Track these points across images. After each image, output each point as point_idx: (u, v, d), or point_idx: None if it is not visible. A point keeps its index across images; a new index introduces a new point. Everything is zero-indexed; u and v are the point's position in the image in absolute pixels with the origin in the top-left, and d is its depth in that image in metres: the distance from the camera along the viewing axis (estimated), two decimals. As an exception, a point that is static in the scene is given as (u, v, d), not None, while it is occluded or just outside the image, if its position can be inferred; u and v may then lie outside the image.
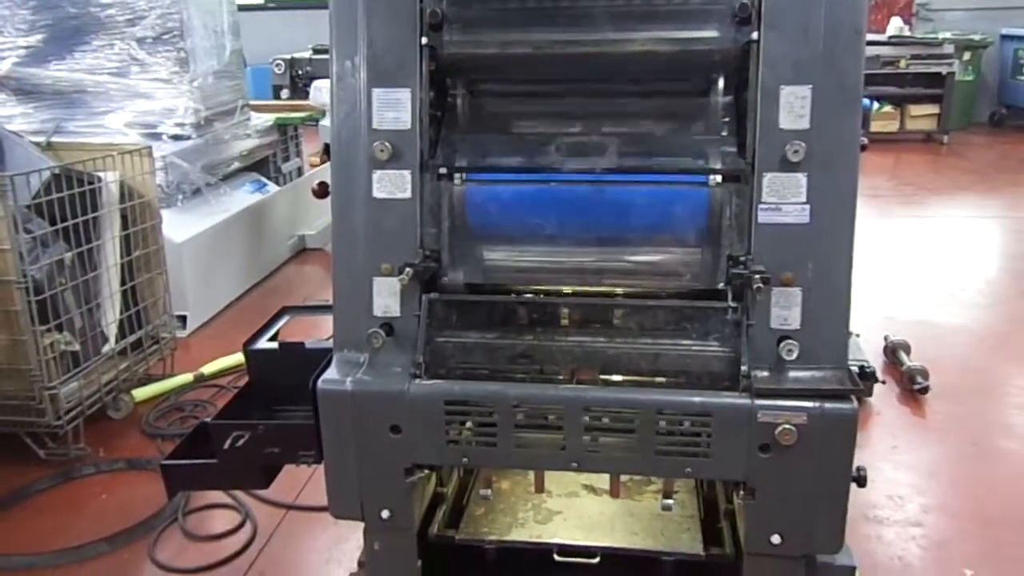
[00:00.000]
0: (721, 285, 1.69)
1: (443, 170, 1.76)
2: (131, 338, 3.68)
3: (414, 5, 1.72)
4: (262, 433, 1.78)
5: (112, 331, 3.57)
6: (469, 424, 1.72)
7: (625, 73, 1.76)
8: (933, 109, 9.69)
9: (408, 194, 1.77)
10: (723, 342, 1.71)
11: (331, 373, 1.77)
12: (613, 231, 1.74)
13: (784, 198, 1.66)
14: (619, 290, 1.78)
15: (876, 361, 3.93)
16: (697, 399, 1.64)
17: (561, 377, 1.73)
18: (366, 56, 1.74)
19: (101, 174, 3.59)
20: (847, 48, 1.62)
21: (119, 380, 3.55)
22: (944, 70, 9.54)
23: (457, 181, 1.76)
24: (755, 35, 1.63)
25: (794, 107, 1.63)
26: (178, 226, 4.52)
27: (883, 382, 3.66)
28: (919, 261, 5.68)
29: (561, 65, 1.76)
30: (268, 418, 1.89)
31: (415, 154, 1.76)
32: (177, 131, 4.88)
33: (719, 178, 1.68)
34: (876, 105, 9.67)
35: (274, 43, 10.01)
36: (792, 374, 1.67)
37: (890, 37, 9.65)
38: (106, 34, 4.83)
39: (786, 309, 1.68)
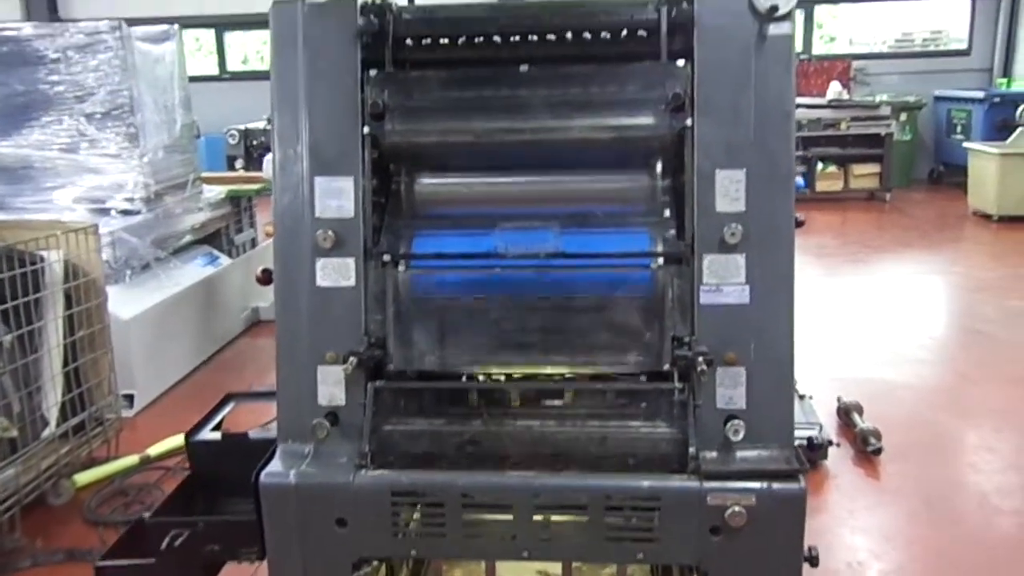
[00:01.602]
0: (667, 366, 1.70)
1: (387, 257, 1.75)
2: (73, 421, 3.57)
3: (355, 95, 1.74)
4: (202, 530, 1.72)
5: (53, 414, 3.46)
6: (417, 514, 1.69)
7: (565, 159, 1.79)
8: (875, 168, 10.01)
9: (352, 282, 1.76)
10: (671, 423, 1.71)
11: (275, 466, 1.73)
12: (557, 314, 1.74)
13: (724, 279, 1.68)
14: (567, 373, 1.78)
15: (830, 422, 3.98)
16: (646, 483, 1.63)
17: (511, 462, 1.71)
18: (308, 144, 1.75)
19: (44, 253, 3.52)
20: (777, 131, 1.67)
21: (60, 465, 3.42)
22: (883, 131, 9.89)
23: (401, 268, 1.76)
24: (689, 121, 1.68)
25: (729, 190, 1.67)
26: (125, 302, 4.44)
27: (837, 445, 3.70)
28: (866, 319, 5.80)
29: (502, 152, 1.78)
30: (211, 511, 1.84)
31: (359, 242, 1.75)
32: (127, 206, 4.83)
33: (661, 260, 1.70)
34: (821, 165, 9.97)
35: (228, 112, 10.05)
36: (740, 454, 1.67)
37: (830, 101, 10.00)
38: (55, 110, 4.80)
39: (731, 389, 1.69)
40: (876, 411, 4.02)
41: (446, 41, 1.76)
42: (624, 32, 1.72)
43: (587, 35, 1.72)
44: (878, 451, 3.66)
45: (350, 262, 1.76)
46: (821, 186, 10.00)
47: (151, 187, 4.90)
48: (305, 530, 1.71)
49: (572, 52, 1.74)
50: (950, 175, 10.61)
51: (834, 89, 10.13)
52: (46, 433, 3.41)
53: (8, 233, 3.75)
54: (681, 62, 1.70)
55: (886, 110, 9.97)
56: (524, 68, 1.75)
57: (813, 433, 3.58)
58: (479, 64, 1.77)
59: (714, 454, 1.67)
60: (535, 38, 1.73)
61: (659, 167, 1.78)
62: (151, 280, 4.85)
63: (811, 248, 7.71)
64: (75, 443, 3.55)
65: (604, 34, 1.72)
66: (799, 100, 10.11)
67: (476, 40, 1.74)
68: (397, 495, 1.67)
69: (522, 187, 1.85)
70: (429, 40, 1.76)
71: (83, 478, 3.60)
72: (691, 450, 1.65)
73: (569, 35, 1.72)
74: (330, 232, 1.73)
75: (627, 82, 1.74)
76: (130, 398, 4.41)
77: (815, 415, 3.87)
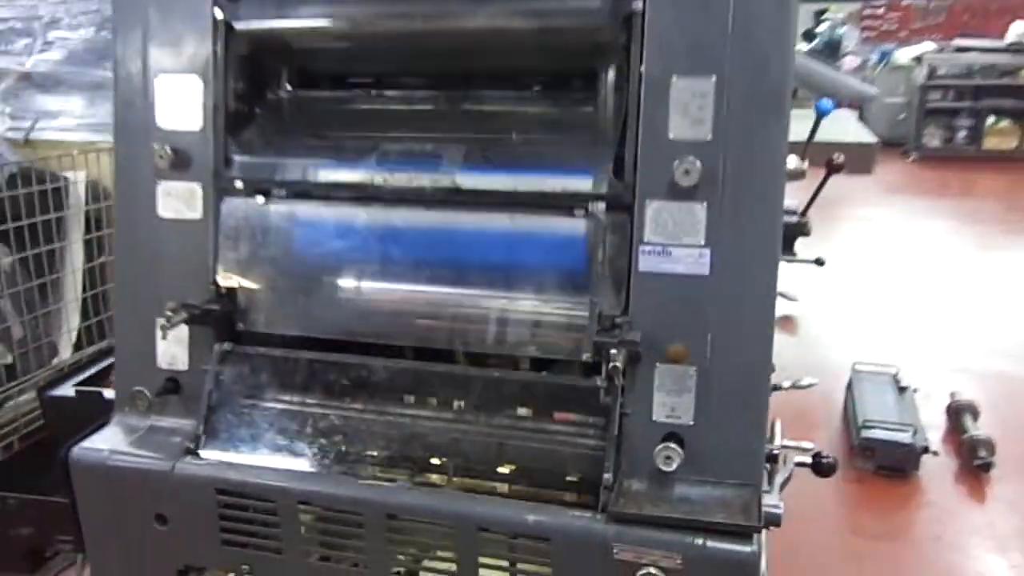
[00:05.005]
0: (587, 356, 1.21)
1: (239, 184, 1.34)
2: (90, 350, 3.43)
3: (204, -34, 1.32)
4: (13, 508, 1.41)
5: (66, 342, 3.33)
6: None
7: (474, 64, 1.30)
8: (1059, 126, 8.62)
9: (198, 214, 1.37)
10: (589, 435, 1.22)
11: (95, 440, 1.38)
12: (451, 272, 1.28)
13: (674, 237, 1.16)
14: (462, 353, 1.32)
15: (936, 424, 3.29)
16: (531, 517, 1.16)
17: (372, 466, 1.28)
18: (148, 32, 1.35)
19: (68, 174, 3.36)
20: (769, 22, 1.12)
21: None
22: (1074, 82, 8.47)
23: (259, 200, 1.35)
24: (638, 5, 1.15)
25: (689, 108, 1.14)
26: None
27: (935, 453, 3.01)
28: (1018, 304, 4.88)
29: (393, 51, 1.32)
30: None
31: (206, 163, 1.35)
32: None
33: (589, 206, 1.20)
34: (992, 119, 8.69)
35: None
36: (680, 490, 1.17)
37: (1009, 44, 8.63)
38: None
39: (674, 395, 1.18)
40: (998, 416, 3.28)
41: None
42: None
43: None
44: (987, 466, 2.95)
45: (195, 188, 1.36)
46: (989, 143, 8.73)
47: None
48: (122, 523, 1.36)
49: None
50: None
51: (1016, 30, 8.72)
52: (55, 361, 3.28)
53: (33, 152, 3.62)
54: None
55: (1080, 58, 8.51)
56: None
57: (905, 436, 2.94)
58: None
59: (641, 485, 1.18)
60: None
61: (603, 78, 1.26)
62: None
63: (965, 214, 6.70)
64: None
65: None
66: (970, 42, 8.84)
67: None
68: (224, 493, 1.29)
69: (419, 101, 1.37)
70: None
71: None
72: (606, 476, 1.16)
73: None
74: (167, 148, 1.33)
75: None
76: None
77: (915, 413, 3.19)
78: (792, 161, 1.28)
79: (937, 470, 3.01)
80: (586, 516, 1.15)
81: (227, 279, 1.36)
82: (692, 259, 1.15)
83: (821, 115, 1.29)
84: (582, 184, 1.21)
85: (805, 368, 3.98)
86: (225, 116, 1.35)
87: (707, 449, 1.17)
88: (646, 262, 1.17)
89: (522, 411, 1.26)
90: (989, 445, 3.00)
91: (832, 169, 1.44)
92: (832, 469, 1.36)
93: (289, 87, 1.43)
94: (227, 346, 1.36)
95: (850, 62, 8.90)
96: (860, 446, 3.00)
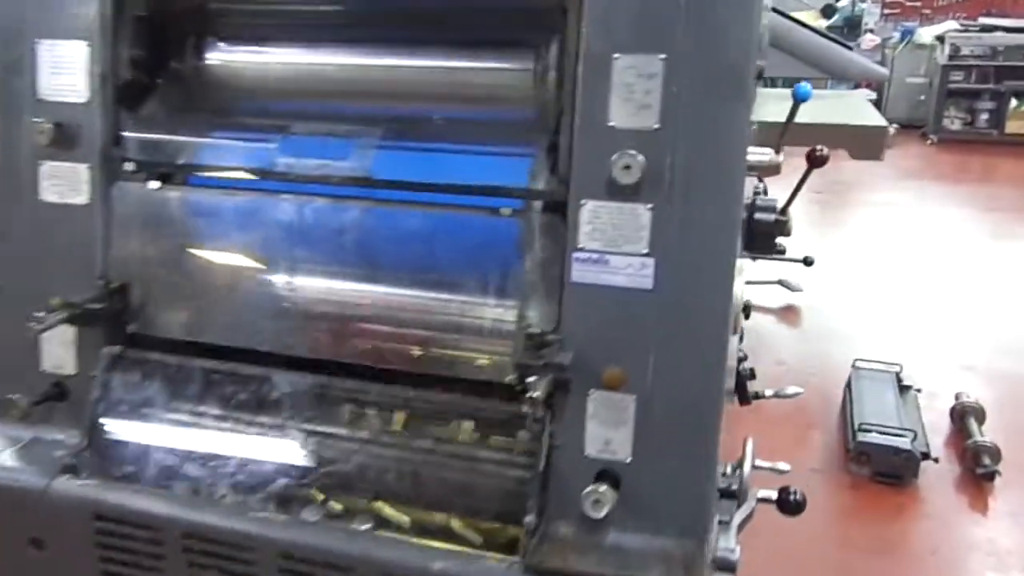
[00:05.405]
0: (510, 379, 1.04)
1: (129, 166, 1.18)
2: None
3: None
4: None
5: None
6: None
7: (399, 20, 1.12)
8: (1088, 109, 8.30)
9: (85, 198, 1.20)
10: (518, 466, 1.06)
11: (-31, 450, 1.23)
12: (360, 276, 1.11)
13: (613, 244, 0.99)
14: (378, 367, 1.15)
15: (939, 426, 3.10)
16: (439, 564, 1.00)
17: (268, 492, 1.13)
18: (28, -9, 1.18)
19: None
20: (730, -8, 0.93)
21: None
22: (1104, 65, 8.14)
23: (153, 186, 1.18)
24: (576, -31, 0.97)
25: (635, 91, 0.96)
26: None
27: (935, 460, 2.83)
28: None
29: (306, 17, 1.14)
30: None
31: (95, 141, 1.18)
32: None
33: (531, 204, 1.03)
34: (1015, 103, 8.38)
35: None
36: (612, 538, 1.01)
37: (1037, 23, 8.31)
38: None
39: (610, 427, 1.01)
40: (1004, 420, 3.09)
41: None
42: None
43: None
44: (991, 475, 2.77)
45: (82, 169, 1.19)
46: (1012, 127, 8.42)
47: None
48: (-3, 545, 1.21)
49: None
50: None
51: (1045, 9, 8.39)
52: None
53: None
54: None
55: (1110, 39, 8.17)
56: None
57: (903, 441, 2.76)
58: None
59: (569, 530, 1.01)
60: None
61: (545, 51, 1.07)
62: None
63: (980, 200, 6.45)
64: None
65: None
66: (995, 21, 8.50)
67: None
68: (102, 519, 1.13)
69: (337, 74, 1.20)
70: None
71: None
72: (527, 520, 1.00)
73: None
74: (47, 124, 1.16)
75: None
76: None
77: (916, 415, 3.01)
78: (762, 153, 1.10)
79: (937, 478, 2.83)
80: (501, 566, 0.99)
81: (117, 275, 1.20)
82: (633, 270, 0.98)
83: (799, 100, 1.11)
84: (512, 177, 1.03)
85: (806, 362, 3.82)
86: (118, 87, 1.18)
87: (646, 491, 1.00)
88: (580, 272, 1.00)
89: (443, 436, 1.10)
90: (994, 452, 2.82)
91: (814, 163, 1.26)
92: (799, 507, 1.19)
93: (195, 56, 1.25)
94: (116, 350, 1.21)
95: (870, 40, 8.59)
96: (855, 451, 2.82)
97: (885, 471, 2.78)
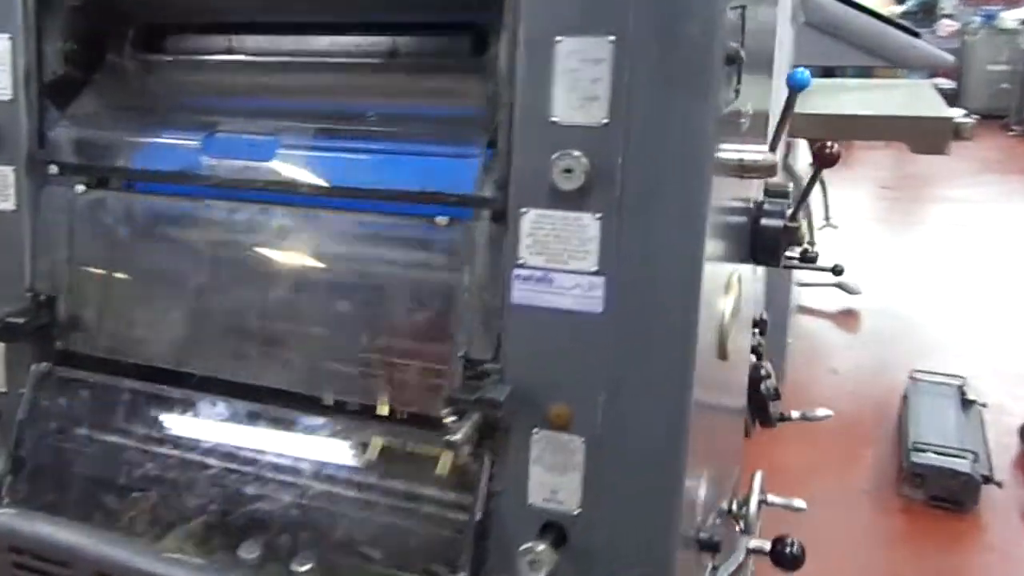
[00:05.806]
0: (444, 414, 0.90)
1: (54, 169, 1.08)
2: None
3: None
4: None
5: None
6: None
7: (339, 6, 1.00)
8: None
9: (10, 204, 1.11)
10: (458, 513, 0.93)
11: None
12: (288, 289, 0.99)
13: (558, 259, 0.84)
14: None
15: (1007, 445, 2.84)
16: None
17: (187, 530, 1.02)
18: (-51, -21, 1.10)
19: None
20: (691, -40, 0.78)
21: None
22: None
23: (78, 190, 1.08)
24: (513, -62, 0.83)
25: (579, 81, 0.81)
26: None
27: (999, 484, 2.58)
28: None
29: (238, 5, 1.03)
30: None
31: (20, 142, 1.10)
32: None
33: (478, 212, 0.89)
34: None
35: None
36: (556, 600, 0.86)
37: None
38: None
39: (556, 472, 0.87)
40: (1083, 440, 2.81)
41: None
42: None
43: None
44: (1063, 504, 2.51)
45: (7, 172, 1.11)
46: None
47: None
48: (-80, 573, 1.14)
49: None
50: None
51: None
52: None
53: None
54: None
55: None
56: None
57: (963, 463, 2.52)
58: None
59: (509, 588, 0.88)
60: None
61: (495, 41, 0.93)
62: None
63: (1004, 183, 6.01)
64: None
65: None
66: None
67: None
68: (16, 551, 1.05)
69: (271, 65, 1.08)
70: None
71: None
72: (461, 577, 0.87)
73: None
74: (-34, 124, 1.08)
75: None
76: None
77: (980, 434, 2.76)
78: (752, 152, 0.94)
79: (1002, 504, 2.58)
80: (425, 629, 0.86)
81: (45, 286, 1.11)
82: (581, 290, 0.83)
83: (795, 89, 0.94)
84: (446, 182, 0.90)
85: (862, 371, 3.57)
86: (45, 84, 1.09)
87: (597, 548, 0.86)
88: (521, 292, 0.86)
89: (376, 475, 0.97)
90: (1067, 478, 2.56)
91: (823, 161, 1.09)
92: (798, 562, 1.02)
93: (134, 49, 1.15)
94: (44, 367, 1.12)
95: (947, 26, 8.11)
96: (909, 471, 2.60)
97: (941, 495, 2.54)
